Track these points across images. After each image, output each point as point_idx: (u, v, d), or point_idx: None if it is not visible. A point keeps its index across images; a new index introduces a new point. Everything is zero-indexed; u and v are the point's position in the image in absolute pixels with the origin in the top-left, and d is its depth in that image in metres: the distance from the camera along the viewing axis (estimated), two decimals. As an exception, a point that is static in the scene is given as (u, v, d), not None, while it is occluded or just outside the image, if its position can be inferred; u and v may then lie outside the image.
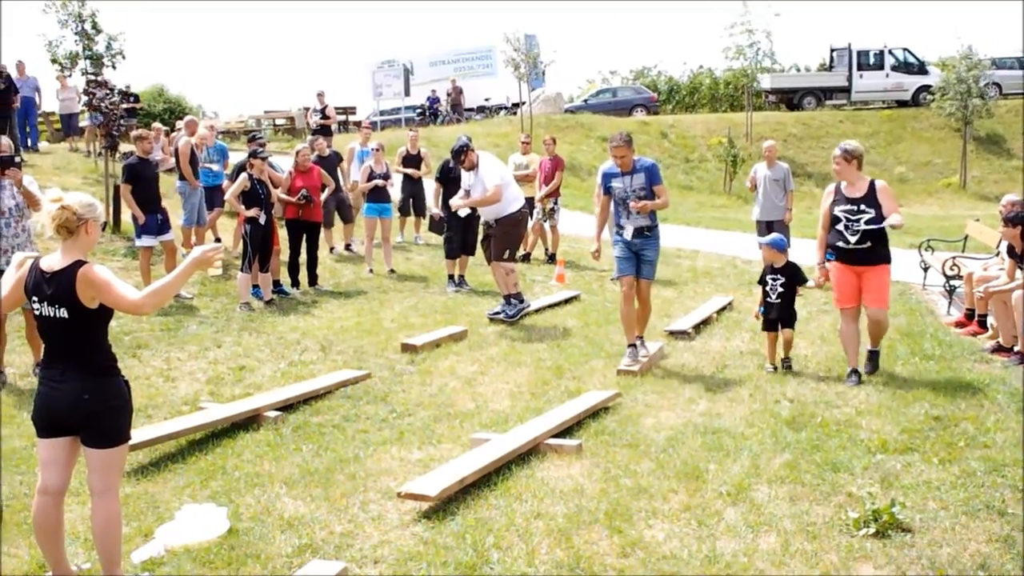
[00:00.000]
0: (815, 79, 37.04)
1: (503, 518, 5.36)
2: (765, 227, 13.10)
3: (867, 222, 7.78)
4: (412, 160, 15.43)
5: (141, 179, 11.44)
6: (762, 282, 8.73)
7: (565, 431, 6.82)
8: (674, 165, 29.36)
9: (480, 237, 11.53)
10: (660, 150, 29.87)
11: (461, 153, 10.64)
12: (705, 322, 10.58)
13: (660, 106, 38.19)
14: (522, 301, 10.94)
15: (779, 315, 8.55)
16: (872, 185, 7.92)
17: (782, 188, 13.11)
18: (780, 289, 8.54)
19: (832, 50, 36.37)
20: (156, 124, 21.34)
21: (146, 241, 11.62)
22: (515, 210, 10.75)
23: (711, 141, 30.17)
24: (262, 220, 11.46)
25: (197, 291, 11.93)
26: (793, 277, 8.57)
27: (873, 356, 8.35)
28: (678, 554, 4.88)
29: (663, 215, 21.33)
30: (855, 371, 8.05)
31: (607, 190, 8.76)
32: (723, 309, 11.32)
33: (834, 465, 6.02)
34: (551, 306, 11.65)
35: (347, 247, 15.33)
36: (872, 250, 7.88)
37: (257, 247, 11.51)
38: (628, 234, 8.61)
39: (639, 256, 8.66)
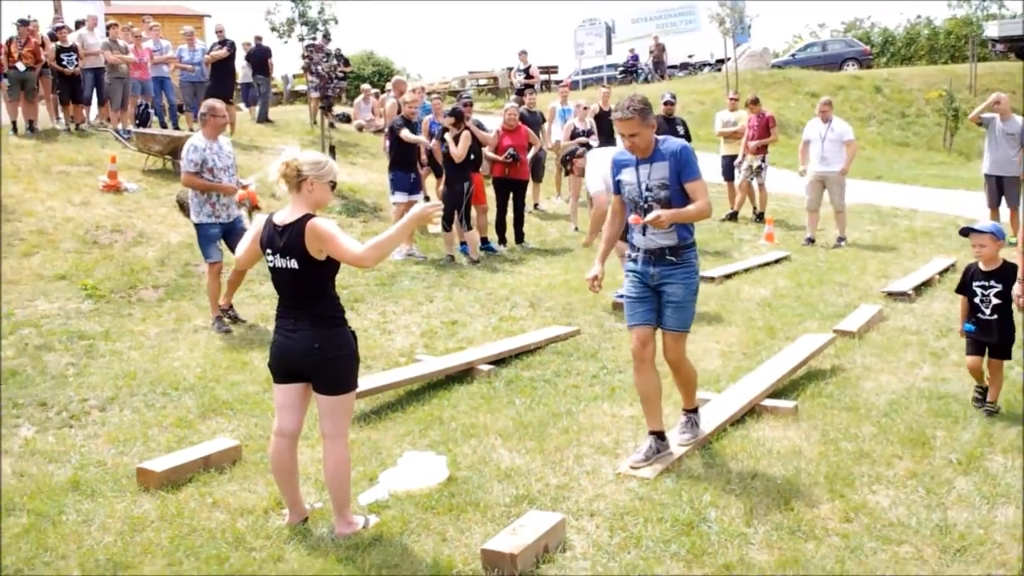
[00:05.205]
0: (1051, 25, 34.42)
1: (719, 477, 5.29)
2: (995, 184, 12.23)
3: None
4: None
5: (402, 139, 11.95)
6: (967, 289, 6.33)
7: (780, 392, 6.66)
8: (889, 120, 28.01)
9: None
10: (873, 105, 28.56)
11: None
12: (926, 284, 10.08)
13: (873, 59, 36.44)
14: None
15: (996, 338, 6.20)
16: None
17: (1018, 143, 12.15)
18: (995, 301, 6.15)
19: (1073, -8, 33.74)
20: (365, 86, 22.06)
21: (399, 198, 12.04)
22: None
23: (930, 95, 28.50)
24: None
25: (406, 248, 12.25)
26: (1011, 283, 6.11)
27: None
28: (906, 522, 4.68)
29: (874, 171, 20.57)
30: None
31: (616, 187, 5.73)
32: (945, 271, 10.75)
33: (1078, 436, 5.62)
34: (761, 266, 11.36)
35: (535, 206, 15.39)
36: None
37: (461, 205, 11.76)
38: (643, 262, 5.53)
39: (660, 294, 5.53)
